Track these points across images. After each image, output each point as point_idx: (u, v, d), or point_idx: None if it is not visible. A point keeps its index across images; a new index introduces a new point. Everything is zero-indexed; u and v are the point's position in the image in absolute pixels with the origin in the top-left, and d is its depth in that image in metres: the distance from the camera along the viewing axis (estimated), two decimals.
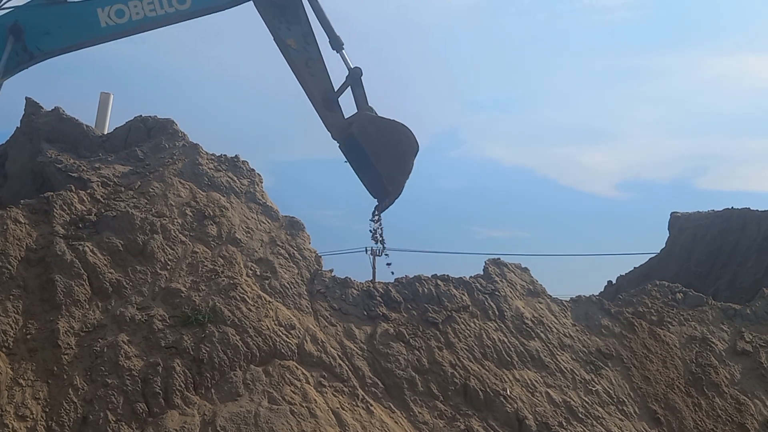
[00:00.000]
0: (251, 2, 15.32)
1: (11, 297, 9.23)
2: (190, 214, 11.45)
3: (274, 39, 15.20)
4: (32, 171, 12.51)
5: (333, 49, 15.18)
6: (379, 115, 14.51)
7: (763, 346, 13.70)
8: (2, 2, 14.75)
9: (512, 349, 11.64)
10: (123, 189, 11.58)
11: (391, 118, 14.40)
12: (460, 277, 12.70)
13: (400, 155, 13.11)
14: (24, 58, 14.46)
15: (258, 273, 11.11)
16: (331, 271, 12.03)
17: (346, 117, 15.16)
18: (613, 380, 11.96)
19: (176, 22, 15.38)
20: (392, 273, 14.75)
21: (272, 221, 12.34)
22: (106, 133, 13.74)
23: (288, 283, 11.22)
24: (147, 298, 9.91)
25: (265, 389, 9.20)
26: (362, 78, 14.89)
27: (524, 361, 11.57)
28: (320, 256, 12.28)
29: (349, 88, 14.97)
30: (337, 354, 10.30)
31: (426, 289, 12.00)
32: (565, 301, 13.49)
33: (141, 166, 12.30)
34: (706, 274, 22.75)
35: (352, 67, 14.97)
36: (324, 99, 14.79)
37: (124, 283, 9.96)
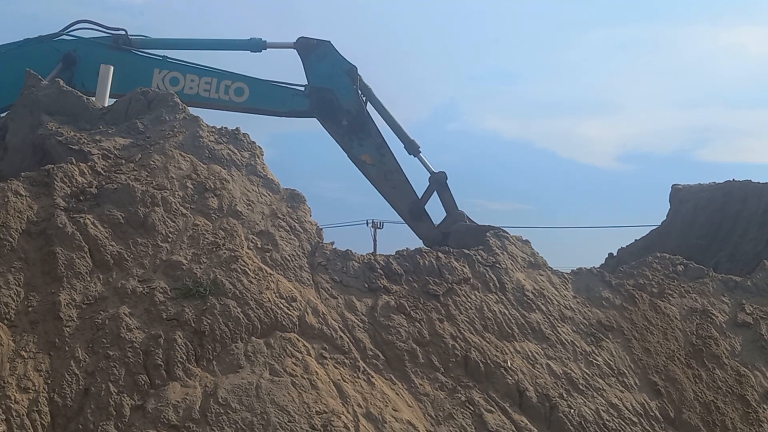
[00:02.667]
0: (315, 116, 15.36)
1: (12, 269, 9.23)
2: (191, 186, 11.43)
3: (347, 156, 15.13)
4: (32, 144, 12.48)
5: (410, 154, 15.22)
6: (470, 218, 14.47)
7: (763, 317, 13.72)
8: (68, 29, 14.84)
9: (513, 321, 11.66)
10: (123, 161, 11.54)
11: (486, 225, 14.37)
12: (461, 250, 12.70)
13: None
14: None
15: (259, 245, 11.11)
16: (332, 243, 12.03)
17: (436, 223, 15.12)
18: (614, 352, 11.99)
19: (226, 110, 15.49)
20: None
21: (273, 194, 12.32)
22: (106, 105, 13.70)
23: (289, 255, 11.22)
24: (148, 270, 9.91)
25: (266, 361, 9.22)
26: (447, 181, 14.88)
27: (525, 333, 11.59)
28: (321, 229, 12.28)
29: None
30: (338, 326, 10.32)
31: (427, 262, 12.00)
32: (566, 273, 13.49)
33: (141, 139, 12.26)
34: (707, 246, 22.73)
35: (435, 171, 14.95)
36: (410, 210, 14.84)
37: (125, 256, 9.96)
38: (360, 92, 15.15)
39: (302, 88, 15.27)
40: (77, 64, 14.45)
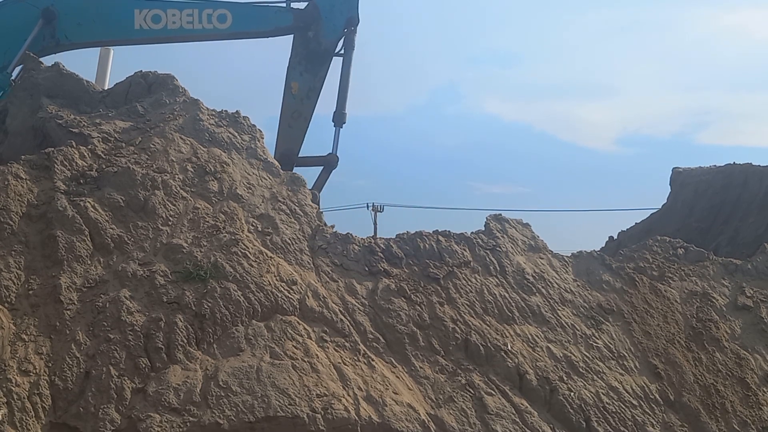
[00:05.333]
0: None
1: (13, 252, 9.24)
2: (191, 169, 11.43)
3: (286, 72, 15.13)
4: (33, 127, 12.48)
5: (332, 121, 15.22)
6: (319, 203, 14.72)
7: (763, 301, 13.73)
8: None
9: (513, 304, 11.67)
10: (124, 145, 11.54)
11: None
12: (462, 233, 12.69)
13: None
14: (50, 44, 14.50)
15: (259, 229, 11.11)
16: (333, 227, 12.03)
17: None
18: (614, 335, 12.00)
19: (212, 39, 15.44)
20: None
21: (273, 177, 12.32)
22: (106, 88, 13.66)
23: (289, 239, 11.22)
24: (149, 253, 9.92)
25: (267, 344, 9.24)
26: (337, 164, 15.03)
27: (525, 317, 11.60)
28: (321, 212, 12.29)
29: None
30: (339, 309, 10.33)
31: (427, 245, 12.00)
32: (567, 256, 13.49)
33: (142, 122, 12.26)
34: (708, 229, 22.78)
35: (335, 153, 15.05)
36: (284, 155, 14.85)
37: (126, 239, 9.96)
38: (344, 42, 15.15)
39: (283, 5, 15.22)
40: (57, 18, 14.34)
